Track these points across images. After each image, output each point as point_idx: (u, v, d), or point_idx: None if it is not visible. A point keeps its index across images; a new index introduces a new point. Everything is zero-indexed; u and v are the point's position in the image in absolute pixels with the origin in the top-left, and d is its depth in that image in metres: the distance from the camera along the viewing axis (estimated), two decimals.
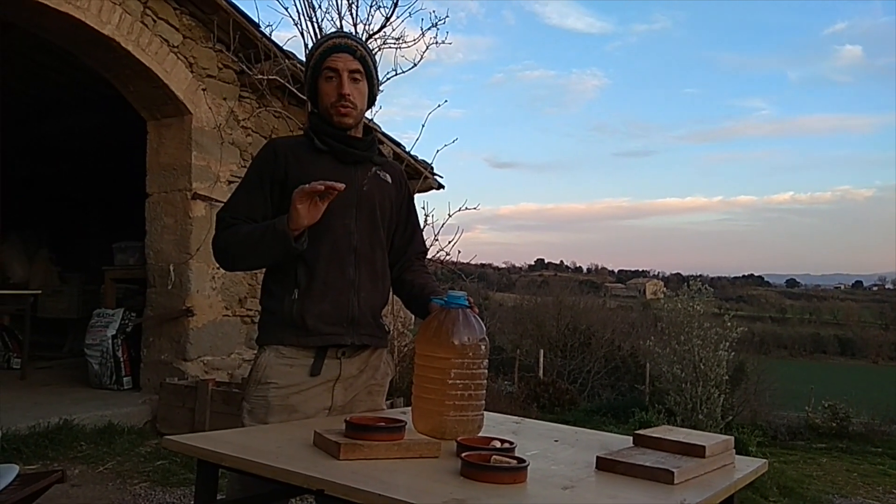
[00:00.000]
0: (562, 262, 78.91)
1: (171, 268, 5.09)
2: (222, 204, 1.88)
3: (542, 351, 14.62)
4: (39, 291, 6.65)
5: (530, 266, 71.70)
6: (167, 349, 5.12)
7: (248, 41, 5.05)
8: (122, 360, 5.32)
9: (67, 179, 8.65)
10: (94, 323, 5.46)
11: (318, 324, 1.71)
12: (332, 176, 1.71)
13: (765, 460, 1.53)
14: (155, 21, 4.80)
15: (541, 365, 14.11)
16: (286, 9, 4.88)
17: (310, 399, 1.72)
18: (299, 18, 4.88)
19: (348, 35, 1.87)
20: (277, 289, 1.75)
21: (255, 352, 1.79)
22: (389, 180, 1.88)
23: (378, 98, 1.94)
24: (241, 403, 1.76)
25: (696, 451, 1.33)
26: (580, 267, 78.36)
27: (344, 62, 1.77)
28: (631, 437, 1.46)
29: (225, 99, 5.33)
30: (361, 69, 1.79)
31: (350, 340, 1.75)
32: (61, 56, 5.65)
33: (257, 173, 1.81)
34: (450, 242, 5.45)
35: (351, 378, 1.78)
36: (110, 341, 5.30)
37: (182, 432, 4.36)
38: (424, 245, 2.01)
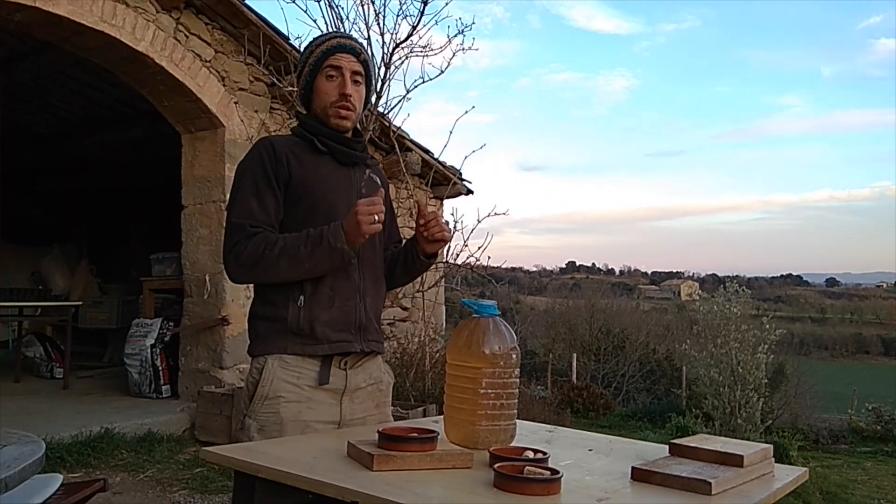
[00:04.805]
0: (593, 264, 78.27)
1: (207, 278, 5.19)
2: None
3: (574, 355, 14.51)
4: (80, 303, 6.82)
5: (562, 269, 71.28)
6: (204, 357, 5.21)
7: (278, 54, 5.13)
8: (160, 368, 5.43)
9: (107, 193, 8.87)
10: (133, 333, 5.58)
11: (327, 331, 1.65)
12: (334, 178, 1.72)
13: (805, 469, 1.49)
14: (187, 37, 4.90)
15: (574, 369, 14.01)
16: (314, 21, 4.91)
17: (320, 413, 1.66)
18: (327, 30, 4.93)
19: (351, 36, 1.81)
20: (279, 297, 1.66)
21: (251, 364, 1.70)
22: (379, 182, 1.81)
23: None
24: (244, 421, 1.64)
25: (734, 461, 1.31)
26: (612, 269, 77.62)
27: (348, 62, 1.72)
28: (667, 446, 1.43)
29: (256, 111, 5.41)
30: (363, 72, 1.75)
31: (359, 347, 1.70)
32: (98, 73, 5.80)
33: (263, 173, 1.68)
34: (479, 248, 5.42)
35: (358, 390, 1.73)
36: (149, 350, 5.42)
37: (220, 440, 4.47)
38: (400, 235, 1.97)
